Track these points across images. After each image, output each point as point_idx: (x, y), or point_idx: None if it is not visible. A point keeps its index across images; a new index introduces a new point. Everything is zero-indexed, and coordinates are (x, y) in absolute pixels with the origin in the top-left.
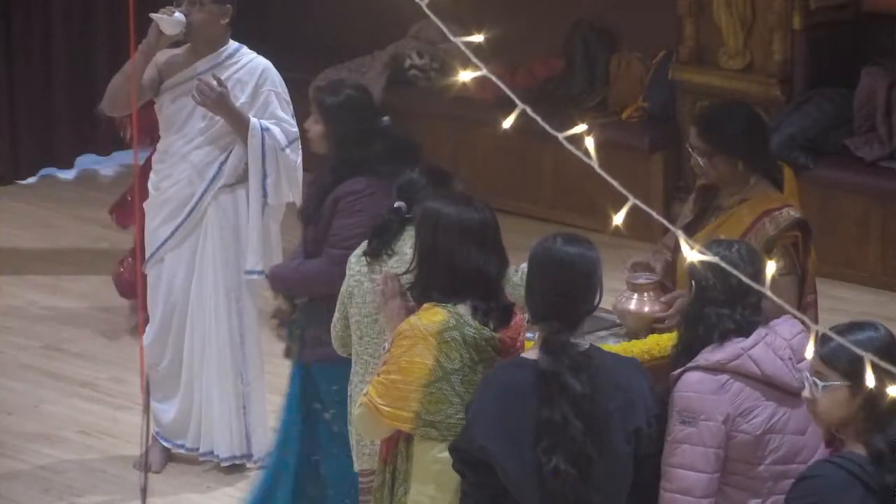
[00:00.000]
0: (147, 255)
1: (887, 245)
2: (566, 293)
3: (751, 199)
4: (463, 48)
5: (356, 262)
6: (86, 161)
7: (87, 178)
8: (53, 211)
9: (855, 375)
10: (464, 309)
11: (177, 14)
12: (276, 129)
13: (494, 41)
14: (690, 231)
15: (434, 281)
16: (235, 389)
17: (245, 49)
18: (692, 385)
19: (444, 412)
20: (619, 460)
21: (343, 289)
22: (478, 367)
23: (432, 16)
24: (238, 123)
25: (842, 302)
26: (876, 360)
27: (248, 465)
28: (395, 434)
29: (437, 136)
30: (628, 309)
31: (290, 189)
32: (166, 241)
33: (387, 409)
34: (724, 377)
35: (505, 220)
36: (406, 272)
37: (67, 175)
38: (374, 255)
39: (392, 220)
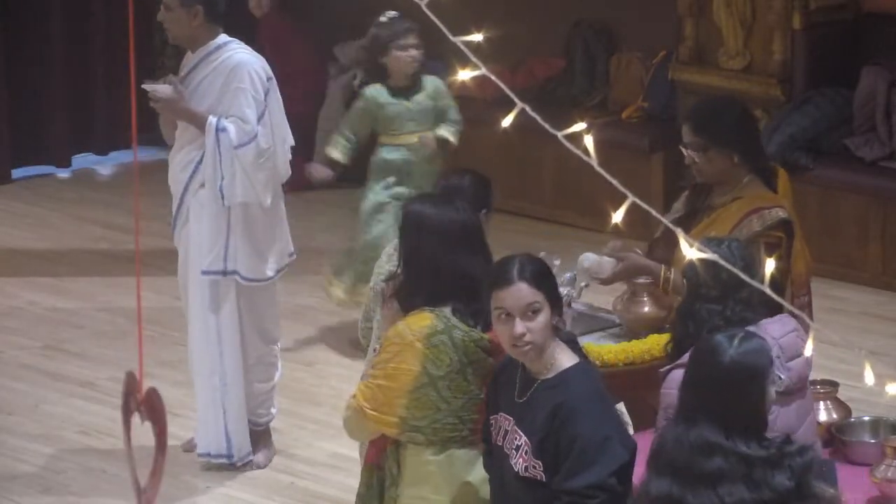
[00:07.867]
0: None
1: (887, 245)
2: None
3: (743, 197)
4: (463, 48)
5: (387, 260)
6: (84, 161)
7: (86, 178)
8: (53, 211)
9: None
10: (449, 312)
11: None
12: (231, 129)
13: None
14: (682, 229)
15: (419, 285)
16: (213, 388)
17: (232, 45)
18: (677, 383)
19: (430, 417)
20: None
21: (371, 283)
22: (467, 370)
23: (432, 16)
24: (200, 125)
25: (842, 302)
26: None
27: (232, 465)
28: (381, 439)
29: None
30: (628, 309)
31: (247, 189)
32: (174, 224)
33: (372, 413)
34: None
35: (505, 220)
36: (394, 276)
37: (66, 174)
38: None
39: None
